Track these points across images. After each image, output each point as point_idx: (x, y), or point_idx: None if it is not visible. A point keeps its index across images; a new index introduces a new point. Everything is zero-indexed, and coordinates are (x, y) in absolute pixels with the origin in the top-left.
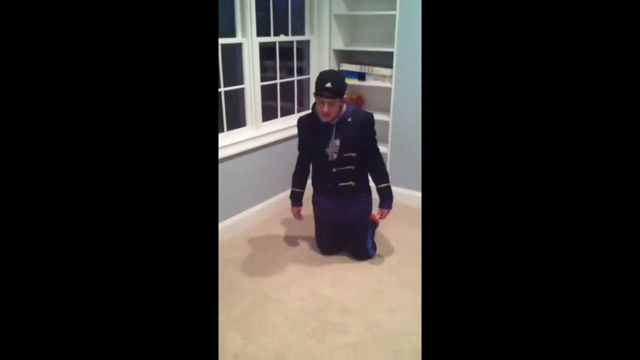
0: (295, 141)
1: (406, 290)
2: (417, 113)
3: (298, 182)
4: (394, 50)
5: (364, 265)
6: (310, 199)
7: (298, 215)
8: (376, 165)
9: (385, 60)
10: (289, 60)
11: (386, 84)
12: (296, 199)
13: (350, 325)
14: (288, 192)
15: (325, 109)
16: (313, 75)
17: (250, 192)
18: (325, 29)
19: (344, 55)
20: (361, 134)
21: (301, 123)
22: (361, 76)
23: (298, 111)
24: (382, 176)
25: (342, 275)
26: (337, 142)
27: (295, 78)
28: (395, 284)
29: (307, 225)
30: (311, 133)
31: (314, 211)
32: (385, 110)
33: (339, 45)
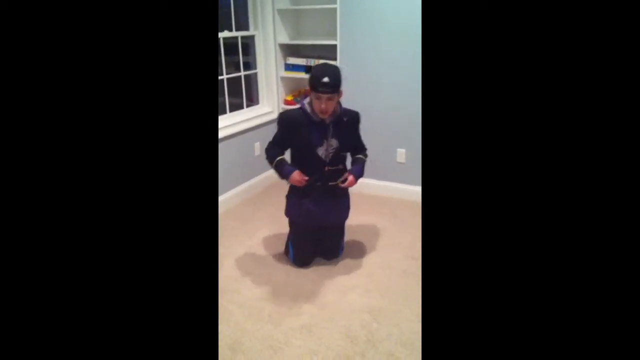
0: (246, 136)
1: (353, 271)
2: (361, 102)
3: (276, 154)
4: (337, 42)
5: None
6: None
7: (301, 177)
8: (361, 148)
9: (329, 52)
10: (234, 56)
11: None
12: (285, 165)
13: (304, 309)
14: (239, 188)
15: (324, 105)
16: (260, 70)
17: None
18: (270, 23)
19: (289, 49)
20: (352, 131)
21: (286, 120)
22: (308, 69)
23: (247, 106)
24: (363, 151)
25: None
26: (335, 141)
27: (242, 73)
28: (343, 267)
29: (258, 218)
30: (301, 131)
31: (293, 216)
32: None
33: (284, 39)
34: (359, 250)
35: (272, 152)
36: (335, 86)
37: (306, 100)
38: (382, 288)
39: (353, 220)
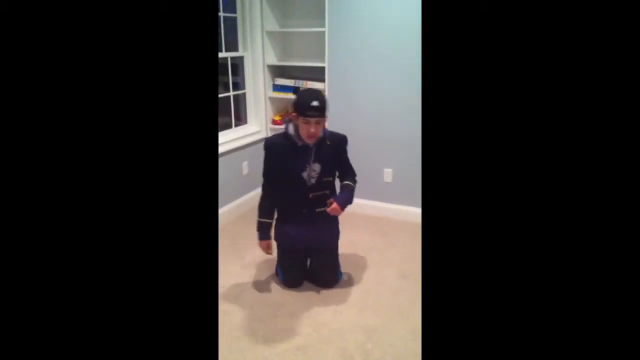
0: (235, 155)
1: (346, 291)
2: (349, 123)
3: (267, 212)
4: (325, 64)
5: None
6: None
7: (268, 249)
8: (349, 174)
9: (317, 74)
10: (224, 76)
11: None
12: (265, 231)
13: (299, 329)
14: (227, 207)
15: (313, 129)
16: (248, 90)
17: None
18: (258, 45)
19: (277, 71)
20: (337, 156)
21: (271, 146)
22: (296, 90)
23: (236, 125)
24: (351, 178)
25: None
26: (317, 165)
27: (232, 93)
28: (336, 286)
29: (247, 237)
30: (285, 157)
31: (279, 242)
32: None
33: (272, 60)
34: (351, 269)
35: (265, 204)
36: (323, 110)
37: (289, 125)
38: (375, 307)
39: (342, 239)
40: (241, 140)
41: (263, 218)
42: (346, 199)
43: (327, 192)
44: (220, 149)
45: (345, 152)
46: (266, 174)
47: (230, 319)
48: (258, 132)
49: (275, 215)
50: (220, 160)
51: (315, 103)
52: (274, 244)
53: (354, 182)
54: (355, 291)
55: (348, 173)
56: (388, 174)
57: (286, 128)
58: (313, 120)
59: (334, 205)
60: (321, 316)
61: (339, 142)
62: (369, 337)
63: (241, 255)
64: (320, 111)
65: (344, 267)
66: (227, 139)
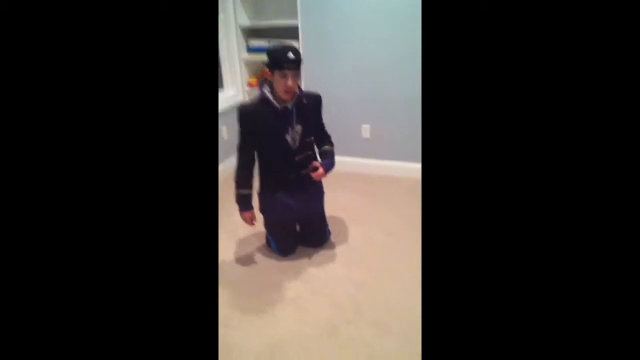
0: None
1: (336, 248)
2: (325, 81)
3: (246, 183)
4: (299, 22)
5: None
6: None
7: (252, 221)
8: (325, 137)
9: (292, 33)
10: None
11: None
12: (246, 202)
13: (287, 282)
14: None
15: (290, 82)
16: (222, 53)
17: None
18: (230, 5)
19: (251, 32)
20: (315, 115)
21: (247, 114)
22: None
23: None
24: (328, 142)
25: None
26: (299, 127)
27: None
28: (326, 244)
29: (228, 201)
30: (266, 122)
31: (268, 213)
32: None
33: (245, 21)
34: (336, 227)
35: (242, 175)
36: (300, 62)
37: (265, 89)
38: (363, 262)
39: (326, 197)
40: (219, 106)
41: (243, 189)
42: (330, 163)
43: (310, 152)
44: None
45: (321, 111)
46: (244, 144)
47: (220, 277)
48: (235, 96)
49: (257, 186)
50: None
51: (290, 55)
52: (257, 214)
53: (332, 144)
54: (343, 249)
55: (324, 136)
56: (366, 129)
57: (262, 92)
58: (290, 73)
59: (320, 170)
60: (311, 272)
61: (316, 101)
62: (358, 289)
63: (222, 219)
64: (297, 63)
65: (331, 224)
66: None
